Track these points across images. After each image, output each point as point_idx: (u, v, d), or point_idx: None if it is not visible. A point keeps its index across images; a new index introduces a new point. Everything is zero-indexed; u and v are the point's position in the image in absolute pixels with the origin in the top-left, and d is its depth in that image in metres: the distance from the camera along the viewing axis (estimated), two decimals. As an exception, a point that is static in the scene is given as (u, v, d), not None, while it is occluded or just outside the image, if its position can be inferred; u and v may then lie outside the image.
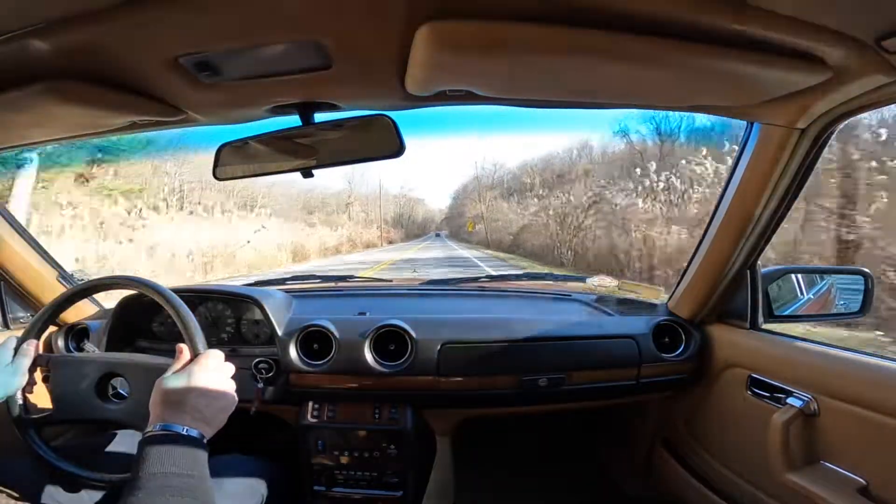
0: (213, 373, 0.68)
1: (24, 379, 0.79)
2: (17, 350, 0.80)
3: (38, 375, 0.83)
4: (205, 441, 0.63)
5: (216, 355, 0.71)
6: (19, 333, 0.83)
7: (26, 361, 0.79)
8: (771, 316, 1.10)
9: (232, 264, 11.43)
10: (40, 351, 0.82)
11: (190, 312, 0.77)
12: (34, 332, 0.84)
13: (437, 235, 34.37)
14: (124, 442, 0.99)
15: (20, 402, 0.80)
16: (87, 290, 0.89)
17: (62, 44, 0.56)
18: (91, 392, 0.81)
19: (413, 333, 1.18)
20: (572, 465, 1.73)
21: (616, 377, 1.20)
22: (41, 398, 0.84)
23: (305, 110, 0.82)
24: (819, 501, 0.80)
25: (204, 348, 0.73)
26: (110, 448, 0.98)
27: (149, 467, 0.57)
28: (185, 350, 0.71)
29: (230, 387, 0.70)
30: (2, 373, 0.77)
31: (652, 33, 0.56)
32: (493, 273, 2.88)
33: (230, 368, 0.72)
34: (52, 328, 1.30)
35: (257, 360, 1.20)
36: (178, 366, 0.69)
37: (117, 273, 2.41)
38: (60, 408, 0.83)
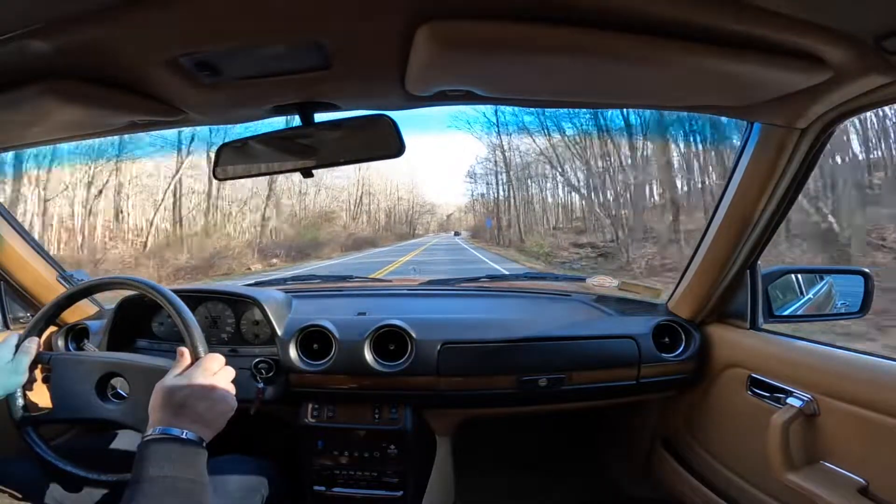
0: (213, 377, 0.68)
1: (25, 377, 0.79)
2: (17, 347, 0.80)
3: (38, 374, 0.83)
4: (204, 445, 0.63)
5: (217, 359, 0.71)
6: (20, 332, 0.83)
7: (27, 359, 0.80)
8: (771, 316, 1.10)
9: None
10: (41, 350, 0.83)
11: (191, 315, 0.77)
12: (35, 330, 0.84)
13: (457, 234, 26.29)
14: (124, 442, 0.99)
15: (20, 400, 0.80)
16: (88, 289, 0.89)
17: (62, 44, 0.56)
18: (91, 392, 0.81)
19: (413, 333, 1.18)
20: (572, 465, 1.73)
21: (616, 377, 1.20)
22: (41, 397, 0.84)
23: (305, 110, 0.82)
24: (819, 501, 0.80)
25: (205, 352, 0.73)
26: (110, 448, 0.98)
27: (147, 471, 0.57)
28: (185, 353, 0.71)
29: (230, 391, 0.70)
30: (2, 370, 0.77)
31: (652, 33, 0.56)
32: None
33: (230, 372, 0.72)
34: (52, 328, 1.30)
35: (257, 360, 1.19)
36: (178, 369, 0.69)
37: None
38: (60, 407, 0.83)
